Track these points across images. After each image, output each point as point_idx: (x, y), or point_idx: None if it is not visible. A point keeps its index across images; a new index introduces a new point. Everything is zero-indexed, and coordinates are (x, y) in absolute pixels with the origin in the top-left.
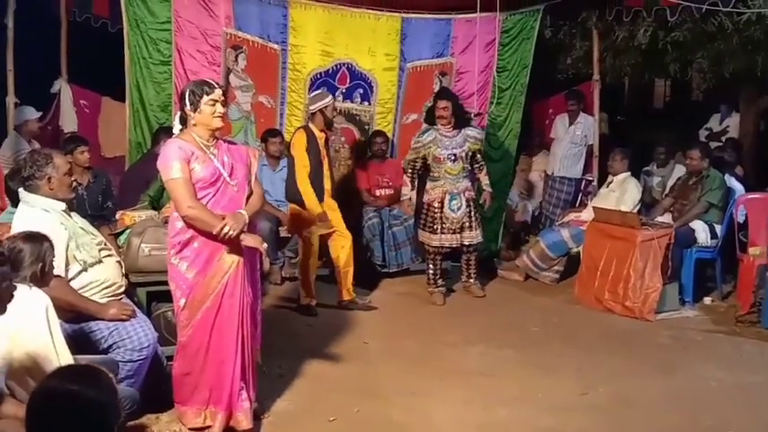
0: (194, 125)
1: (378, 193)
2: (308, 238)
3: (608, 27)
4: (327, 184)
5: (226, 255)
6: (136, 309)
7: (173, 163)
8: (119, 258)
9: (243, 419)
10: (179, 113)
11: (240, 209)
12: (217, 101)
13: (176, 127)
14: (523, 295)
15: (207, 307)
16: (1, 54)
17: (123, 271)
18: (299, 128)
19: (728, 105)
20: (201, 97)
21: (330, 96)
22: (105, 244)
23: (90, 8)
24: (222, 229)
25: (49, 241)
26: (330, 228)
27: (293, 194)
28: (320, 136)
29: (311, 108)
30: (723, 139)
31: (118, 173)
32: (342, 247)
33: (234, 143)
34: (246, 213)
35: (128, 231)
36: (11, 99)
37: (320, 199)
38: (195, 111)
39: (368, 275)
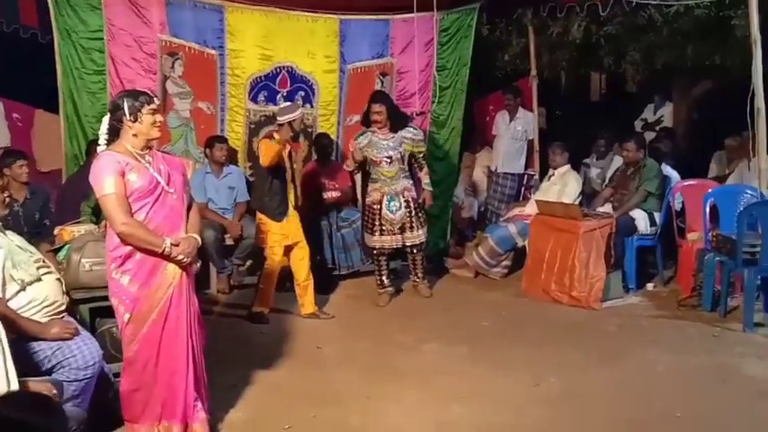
0: (134, 135)
1: (324, 195)
2: (272, 248)
3: (543, 23)
4: (291, 196)
5: (169, 265)
6: (79, 326)
7: (105, 177)
8: (59, 275)
9: (200, 430)
10: (107, 125)
11: (181, 218)
12: (156, 110)
13: (103, 138)
14: (474, 291)
15: (153, 320)
16: None
17: (64, 288)
18: (264, 137)
19: (662, 95)
20: (143, 107)
21: (300, 109)
22: (44, 261)
23: (17, 18)
24: (172, 252)
25: None
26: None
27: (254, 202)
28: (282, 146)
29: (279, 119)
30: (657, 128)
31: (55, 186)
32: (301, 260)
33: (167, 153)
34: (197, 236)
35: (67, 247)
36: None
37: (286, 210)
38: (136, 120)
39: (319, 279)
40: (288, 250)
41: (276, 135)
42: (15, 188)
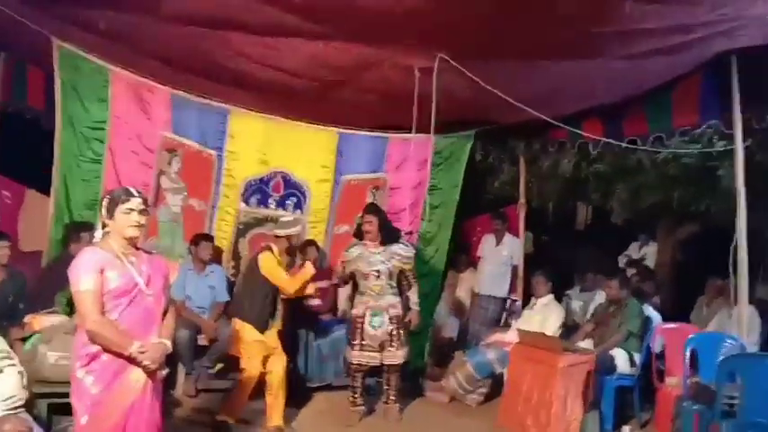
0: (109, 232)
1: (305, 303)
2: (251, 360)
3: (534, 155)
4: (280, 309)
5: (135, 370)
6: (33, 425)
7: (84, 273)
8: (21, 368)
9: None
10: (101, 220)
11: (155, 321)
12: (133, 209)
13: (98, 232)
14: (447, 418)
15: (110, 426)
16: None
17: (25, 382)
18: (263, 248)
19: (646, 235)
20: (117, 205)
21: (300, 225)
22: (8, 352)
23: (25, 99)
24: (138, 357)
25: None
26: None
27: (238, 310)
28: (280, 261)
29: (279, 232)
30: (640, 267)
31: (34, 268)
32: (277, 369)
33: (152, 252)
34: (168, 342)
35: (36, 336)
36: None
37: (272, 322)
38: (111, 218)
39: (290, 389)
40: (265, 358)
41: (273, 246)
42: None
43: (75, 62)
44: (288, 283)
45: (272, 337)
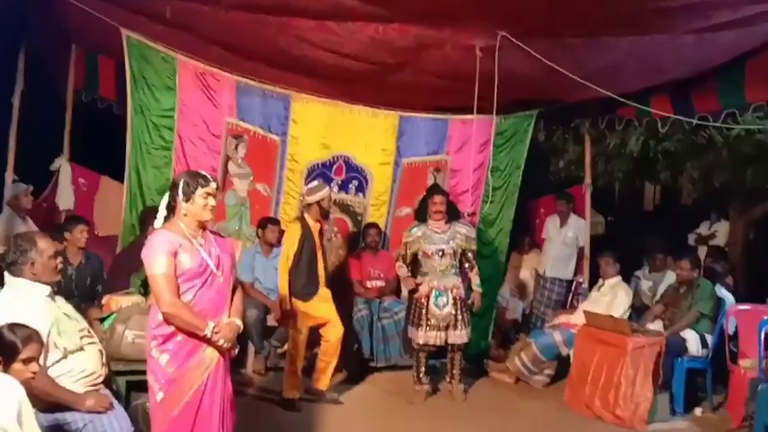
0: (184, 215)
1: (369, 284)
2: (298, 328)
3: (600, 134)
4: (322, 275)
5: (207, 348)
6: (114, 400)
7: (157, 257)
8: (101, 346)
9: None
10: (166, 202)
11: (226, 301)
12: (210, 194)
13: (161, 214)
14: (513, 399)
15: (186, 402)
16: (5, 131)
17: (104, 359)
18: (294, 219)
19: (718, 213)
20: (196, 189)
21: (327, 188)
22: (88, 331)
23: (97, 90)
24: (213, 337)
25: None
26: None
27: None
28: (315, 226)
29: (308, 199)
30: (710, 243)
31: (109, 252)
32: (331, 338)
33: (218, 234)
34: (240, 321)
35: (113, 316)
36: (9, 176)
37: (315, 289)
38: (187, 201)
39: (355, 369)
40: (319, 328)
41: (306, 215)
42: (72, 252)
43: (144, 52)
44: (281, 266)
45: (316, 306)
